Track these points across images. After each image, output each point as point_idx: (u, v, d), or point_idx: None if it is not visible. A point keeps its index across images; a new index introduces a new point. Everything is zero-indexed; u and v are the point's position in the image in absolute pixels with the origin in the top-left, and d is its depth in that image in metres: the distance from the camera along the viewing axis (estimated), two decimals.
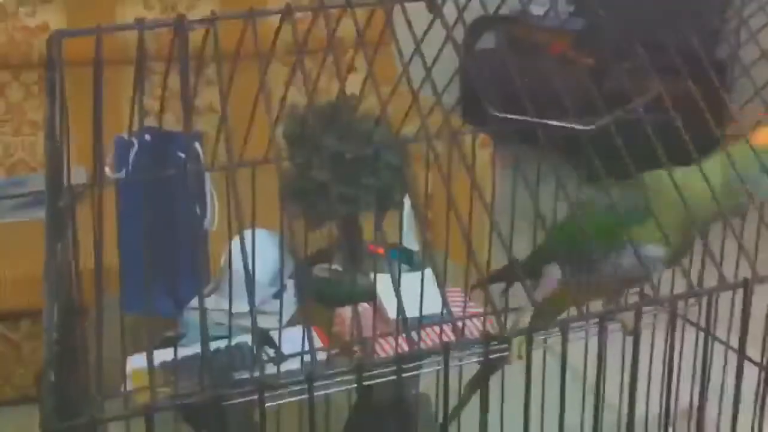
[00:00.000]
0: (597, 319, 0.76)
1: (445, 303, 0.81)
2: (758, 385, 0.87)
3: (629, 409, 0.79)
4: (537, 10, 3.59)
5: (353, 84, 1.37)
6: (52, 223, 0.77)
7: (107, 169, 1.82)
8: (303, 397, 0.78)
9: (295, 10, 0.88)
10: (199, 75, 1.00)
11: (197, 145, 1.53)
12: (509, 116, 0.88)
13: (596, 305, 1.01)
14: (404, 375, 0.85)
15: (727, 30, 3.08)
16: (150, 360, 0.80)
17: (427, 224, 1.39)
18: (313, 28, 0.97)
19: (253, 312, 0.81)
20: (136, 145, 1.42)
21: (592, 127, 0.88)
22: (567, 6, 3.71)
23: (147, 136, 1.48)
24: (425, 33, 0.96)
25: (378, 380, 0.89)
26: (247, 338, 1.34)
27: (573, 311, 0.82)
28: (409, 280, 1.34)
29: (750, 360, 0.85)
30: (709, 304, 0.81)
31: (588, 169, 0.94)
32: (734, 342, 0.84)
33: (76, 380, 0.85)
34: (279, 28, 0.93)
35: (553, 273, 1.03)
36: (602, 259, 0.97)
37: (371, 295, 1.31)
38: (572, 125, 0.87)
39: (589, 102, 1.00)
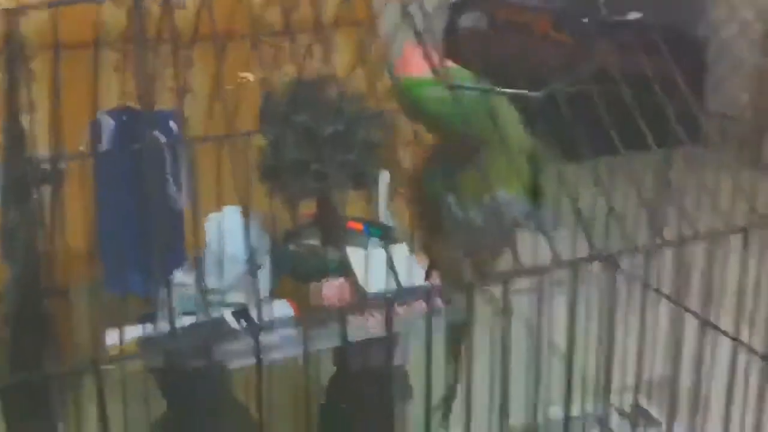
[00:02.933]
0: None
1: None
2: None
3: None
4: None
5: (340, 64, 1.38)
6: (5, 197, 0.78)
7: (82, 148, 1.83)
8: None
9: None
10: (177, 54, 1.01)
11: (172, 122, 1.54)
12: (460, 85, 0.90)
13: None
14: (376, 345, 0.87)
15: (707, 7, 3.11)
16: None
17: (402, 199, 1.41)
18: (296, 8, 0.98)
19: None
20: (112, 124, 1.43)
21: (540, 93, 0.90)
22: None
23: (123, 117, 1.49)
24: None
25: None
26: (224, 313, 1.36)
27: None
28: (383, 254, 1.36)
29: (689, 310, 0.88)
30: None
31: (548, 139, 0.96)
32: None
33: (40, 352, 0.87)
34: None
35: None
36: (453, 215, 0.98)
37: (345, 270, 1.33)
38: (524, 91, 0.89)
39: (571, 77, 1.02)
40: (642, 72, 0.99)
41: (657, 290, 0.96)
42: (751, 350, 0.91)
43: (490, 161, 0.93)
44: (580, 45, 3.03)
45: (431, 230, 1.04)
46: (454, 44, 3.33)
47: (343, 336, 0.76)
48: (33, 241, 1.01)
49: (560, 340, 1.02)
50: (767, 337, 0.92)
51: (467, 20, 3.51)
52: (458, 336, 1.15)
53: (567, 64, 1.09)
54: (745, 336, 0.93)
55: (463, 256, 0.98)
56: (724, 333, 0.92)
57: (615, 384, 1.02)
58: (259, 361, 0.72)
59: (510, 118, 1.01)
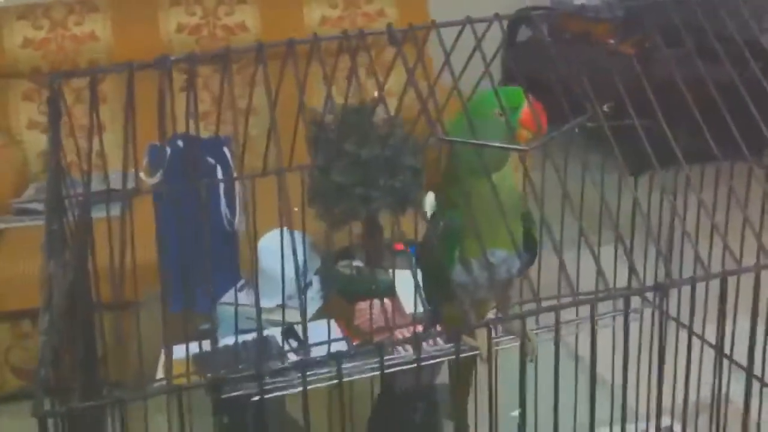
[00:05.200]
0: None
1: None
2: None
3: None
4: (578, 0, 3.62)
5: (393, 83, 1.41)
6: (50, 236, 0.85)
7: (142, 174, 1.92)
8: (326, 385, 0.85)
9: (268, 46, 0.97)
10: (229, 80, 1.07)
11: (226, 149, 1.62)
12: (454, 139, 0.94)
13: None
14: (421, 363, 0.92)
15: None
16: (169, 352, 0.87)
17: None
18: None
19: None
20: (169, 152, 1.51)
21: (531, 147, 0.93)
22: None
23: (179, 142, 1.57)
24: (458, 36, 1.01)
25: (398, 369, 0.96)
26: (274, 332, 1.42)
27: None
28: None
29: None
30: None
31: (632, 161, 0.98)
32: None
33: (86, 375, 0.93)
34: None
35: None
36: (457, 280, 1.04)
37: (391, 290, 1.38)
38: (510, 146, 0.93)
39: (634, 89, 1.05)
40: (706, 82, 1.00)
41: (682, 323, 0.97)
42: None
43: (486, 220, 0.97)
44: (644, 55, 3.02)
45: (436, 288, 1.11)
46: (513, 58, 3.35)
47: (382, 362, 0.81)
48: (82, 258, 1.07)
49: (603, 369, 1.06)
50: None
51: (526, 32, 3.53)
52: (466, 373, 1.21)
53: (630, 75, 1.11)
54: None
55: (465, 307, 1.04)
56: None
57: (647, 409, 1.04)
58: (304, 382, 0.77)
59: (507, 175, 1.05)
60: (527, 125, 1.02)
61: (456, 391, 1.26)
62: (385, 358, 0.86)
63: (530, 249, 1.10)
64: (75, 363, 0.85)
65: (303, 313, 0.85)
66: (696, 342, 0.97)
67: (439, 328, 1.20)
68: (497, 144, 0.95)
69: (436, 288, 1.09)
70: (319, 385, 0.92)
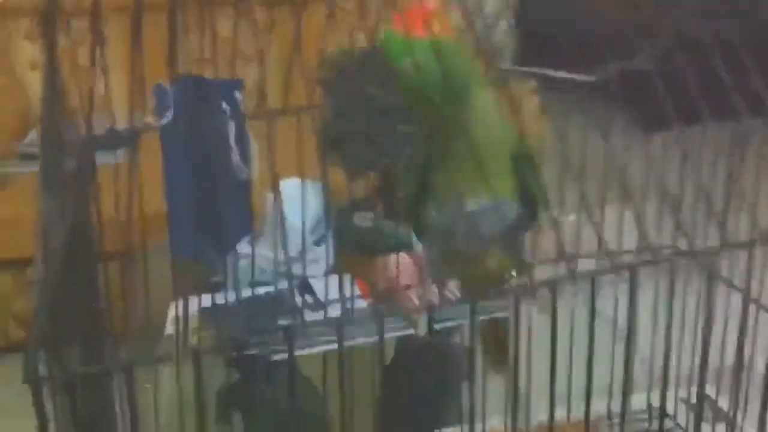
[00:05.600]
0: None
1: None
2: None
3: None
4: None
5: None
6: (46, 175, 0.78)
7: (149, 117, 1.84)
8: (332, 347, 0.80)
9: None
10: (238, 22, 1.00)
11: (237, 93, 1.53)
12: (517, 68, 0.86)
13: None
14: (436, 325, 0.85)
15: None
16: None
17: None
18: None
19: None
20: (175, 93, 1.43)
21: (594, 78, 0.86)
22: None
23: (189, 84, 1.49)
24: None
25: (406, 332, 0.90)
26: (286, 285, 1.36)
27: None
28: None
29: None
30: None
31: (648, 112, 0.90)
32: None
33: (91, 329, 0.87)
34: None
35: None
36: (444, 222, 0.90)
37: (408, 245, 1.32)
38: (574, 76, 0.85)
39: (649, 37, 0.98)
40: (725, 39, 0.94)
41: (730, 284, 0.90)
42: None
43: (464, 157, 0.85)
44: (661, 8, 2.93)
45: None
46: (529, 9, 3.26)
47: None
48: (82, 207, 1.01)
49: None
50: None
51: None
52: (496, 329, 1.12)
53: (647, 29, 1.04)
54: None
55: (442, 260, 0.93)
56: None
57: (683, 373, 0.99)
58: (341, 340, 0.71)
59: (489, 109, 0.90)
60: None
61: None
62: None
63: (528, 203, 0.92)
64: (75, 318, 0.78)
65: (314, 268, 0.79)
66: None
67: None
68: (561, 74, 0.87)
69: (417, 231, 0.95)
70: (330, 346, 0.86)
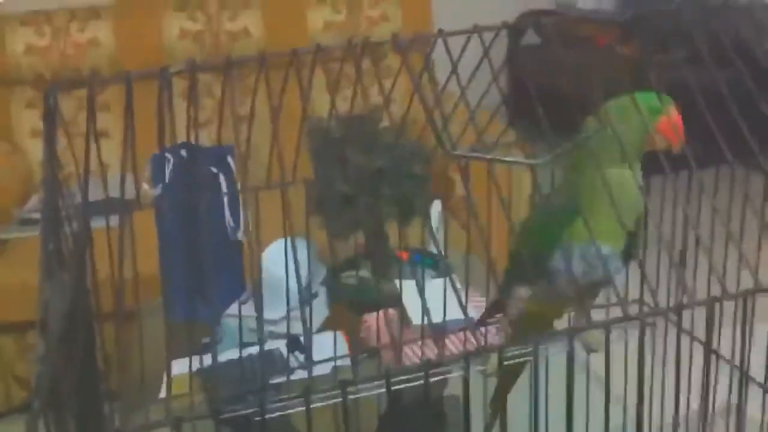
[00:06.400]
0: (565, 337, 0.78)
1: (464, 310, 0.85)
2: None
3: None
4: (583, 3, 3.60)
5: (399, 89, 1.33)
6: (46, 257, 0.83)
7: (145, 185, 1.90)
8: (335, 401, 0.83)
9: (270, 56, 0.95)
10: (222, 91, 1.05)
11: (229, 158, 1.60)
12: (460, 154, 0.92)
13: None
14: (429, 380, 0.89)
15: None
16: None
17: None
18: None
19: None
20: (172, 161, 1.49)
21: (543, 162, 0.91)
22: None
23: (182, 152, 1.55)
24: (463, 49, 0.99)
25: (405, 385, 0.94)
26: (278, 344, 1.40)
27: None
28: (435, 285, 1.39)
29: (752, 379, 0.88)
30: (709, 315, 0.84)
31: None
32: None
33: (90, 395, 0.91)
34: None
35: (522, 291, 1.05)
36: (555, 265, 0.99)
37: (396, 301, 1.36)
38: (521, 161, 0.91)
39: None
40: (714, 85, 0.98)
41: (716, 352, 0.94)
42: None
43: (602, 210, 0.93)
44: (648, 58, 2.99)
45: (519, 277, 1.05)
46: (517, 63, 3.32)
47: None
48: (81, 271, 1.05)
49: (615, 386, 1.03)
50: None
51: (528, 37, 3.50)
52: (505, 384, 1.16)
53: (634, 78, 1.09)
54: None
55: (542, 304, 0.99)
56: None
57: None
58: (308, 409, 0.75)
59: (630, 176, 0.99)
60: (665, 133, 0.99)
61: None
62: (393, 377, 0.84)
63: (627, 257, 1.02)
64: (73, 383, 0.82)
65: (308, 325, 0.83)
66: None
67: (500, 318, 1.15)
68: (509, 159, 0.93)
69: (522, 273, 1.02)
70: (323, 404, 0.90)
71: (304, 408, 0.81)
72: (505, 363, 0.80)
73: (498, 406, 1.19)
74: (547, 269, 0.99)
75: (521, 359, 0.86)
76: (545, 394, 1.10)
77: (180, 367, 1.26)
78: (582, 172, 1.00)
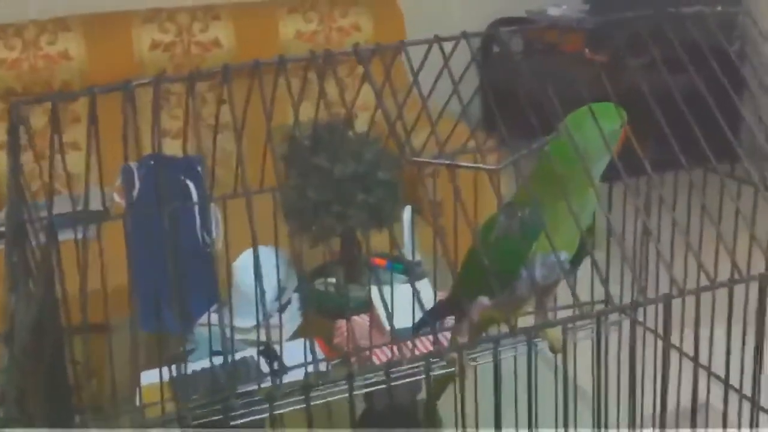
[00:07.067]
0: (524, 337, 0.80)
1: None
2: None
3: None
4: (553, 11, 3.66)
5: (367, 97, 1.30)
6: (10, 269, 0.83)
7: (116, 196, 1.90)
8: (301, 406, 0.84)
9: (233, 68, 0.96)
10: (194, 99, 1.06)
11: (198, 168, 1.60)
12: (421, 159, 0.94)
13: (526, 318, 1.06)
14: (396, 382, 0.91)
15: (740, 21, 3.09)
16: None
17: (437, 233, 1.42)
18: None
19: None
20: (141, 172, 1.49)
21: (500, 166, 0.93)
22: (583, 5, 3.76)
23: (151, 162, 1.55)
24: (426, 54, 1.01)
25: (372, 389, 0.95)
26: (251, 352, 1.40)
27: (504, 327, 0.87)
28: (406, 290, 1.40)
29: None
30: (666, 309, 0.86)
31: None
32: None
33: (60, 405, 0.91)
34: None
35: (484, 300, 1.06)
36: (520, 276, 1.01)
37: (367, 307, 1.37)
38: (480, 166, 0.93)
39: (604, 98, 1.05)
40: (672, 90, 1.00)
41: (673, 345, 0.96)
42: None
43: (561, 221, 0.96)
44: (614, 63, 3.04)
45: (475, 281, 1.07)
46: (489, 71, 3.36)
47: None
48: (49, 285, 1.05)
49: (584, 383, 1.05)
50: None
51: (500, 45, 3.54)
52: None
53: (601, 85, 1.11)
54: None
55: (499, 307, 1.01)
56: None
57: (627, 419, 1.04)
58: (308, 403, 0.76)
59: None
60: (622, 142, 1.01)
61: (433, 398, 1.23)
62: (367, 377, 0.85)
63: (579, 257, 1.06)
64: (42, 395, 0.83)
65: (278, 334, 0.84)
66: (674, 351, 0.96)
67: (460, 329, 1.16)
68: (466, 164, 0.94)
69: (482, 282, 1.04)
70: (293, 408, 0.91)
71: (268, 414, 0.82)
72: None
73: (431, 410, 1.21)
74: (512, 282, 1.01)
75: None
76: (515, 393, 1.12)
77: (152, 377, 1.27)
78: (543, 180, 1.02)
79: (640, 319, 1.06)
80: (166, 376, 1.28)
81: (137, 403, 1.32)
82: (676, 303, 0.85)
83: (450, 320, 1.38)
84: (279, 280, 1.44)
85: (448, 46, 1.06)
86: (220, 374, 1.25)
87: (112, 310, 1.26)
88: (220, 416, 0.84)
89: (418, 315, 1.28)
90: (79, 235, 1.16)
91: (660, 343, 0.95)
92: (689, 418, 0.93)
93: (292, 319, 1.56)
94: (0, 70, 2.61)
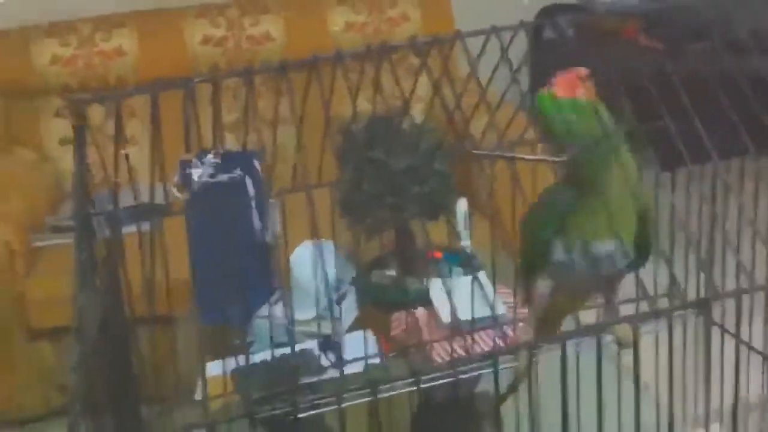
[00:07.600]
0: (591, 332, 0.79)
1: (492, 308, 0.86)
2: None
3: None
4: None
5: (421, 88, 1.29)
6: (79, 266, 0.85)
7: (174, 189, 1.92)
8: (366, 399, 0.85)
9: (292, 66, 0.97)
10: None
11: (256, 162, 1.61)
12: (481, 152, 0.93)
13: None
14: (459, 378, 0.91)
15: None
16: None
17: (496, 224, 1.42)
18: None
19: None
20: (200, 166, 1.51)
21: (565, 158, 0.92)
22: None
23: (210, 157, 1.57)
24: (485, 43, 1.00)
25: (436, 383, 0.95)
26: (310, 344, 1.41)
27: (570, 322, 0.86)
28: (464, 283, 1.39)
29: None
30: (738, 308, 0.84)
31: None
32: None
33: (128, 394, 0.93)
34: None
35: (541, 285, 1.05)
36: (557, 256, 0.99)
37: (425, 299, 1.37)
38: (545, 158, 0.91)
39: (663, 84, 1.03)
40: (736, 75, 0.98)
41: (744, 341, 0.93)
42: None
43: (600, 208, 0.94)
44: (672, 50, 2.97)
45: (532, 270, 1.06)
46: (540, 57, 3.31)
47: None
48: (115, 274, 1.07)
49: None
50: None
51: (552, 31, 3.48)
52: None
53: (659, 70, 1.09)
54: None
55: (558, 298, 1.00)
56: None
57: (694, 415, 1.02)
58: (339, 408, 0.77)
59: (630, 169, 1.00)
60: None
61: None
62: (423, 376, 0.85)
63: (643, 250, 1.03)
64: (109, 387, 0.85)
65: (336, 328, 0.84)
66: (742, 348, 0.94)
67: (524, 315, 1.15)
68: (530, 156, 0.94)
69: (530, 265, 1.03)
70: (355, 402, 0.91)
71: (335, 408, 0.83)
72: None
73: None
74: (549, 257, 1.00)
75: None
76: (576, 388, 1.10)
77: (215, 368, 1.28)
78: (585, 168, 0.99)
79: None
80: (228, 368, 1.30)
81: (199, 396, 1.34)
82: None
83: (509, 312, 1.38)
84: (336, 273, 1.45)
85: (503, 36, 1.05)
86: (283, 367, 1.26)
87: (174, 302, 1.28)
88: (287, 410, 0.84)
89: (477, 308, 1.27)
90: (143, 228, 1.18)
91: (726, 337, 0.94)
92: (757, 411, 0.91)
93: (348, 311, 1.57)
94: (56, 67, 2.66)
